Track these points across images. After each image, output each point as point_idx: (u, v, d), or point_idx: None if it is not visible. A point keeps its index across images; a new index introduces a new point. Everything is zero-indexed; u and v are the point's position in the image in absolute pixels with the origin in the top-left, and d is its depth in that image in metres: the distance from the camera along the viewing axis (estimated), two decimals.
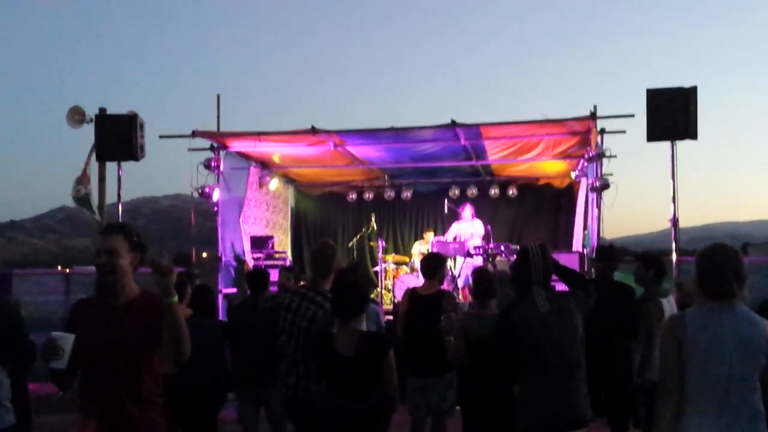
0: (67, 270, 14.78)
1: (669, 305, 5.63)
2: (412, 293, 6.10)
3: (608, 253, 6.40)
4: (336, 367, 4.04)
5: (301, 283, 6.76)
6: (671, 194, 9.87)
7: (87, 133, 10.45)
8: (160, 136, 10.97)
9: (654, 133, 9.47)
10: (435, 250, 11.58)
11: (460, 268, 11.57)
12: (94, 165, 11.65)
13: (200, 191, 10.90)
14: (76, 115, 13.77)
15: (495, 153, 12.15)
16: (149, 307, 3.28)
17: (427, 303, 5.85)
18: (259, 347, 5.56)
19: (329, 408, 4.05)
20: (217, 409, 6.04)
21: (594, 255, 6.48)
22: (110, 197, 10.76)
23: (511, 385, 4.14)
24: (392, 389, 4.13)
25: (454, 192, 13.71)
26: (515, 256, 4.32)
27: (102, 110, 13.76)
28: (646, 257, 6.12)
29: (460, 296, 10.88)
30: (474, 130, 10.66)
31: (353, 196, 14.55)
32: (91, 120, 14.44)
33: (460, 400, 4.98)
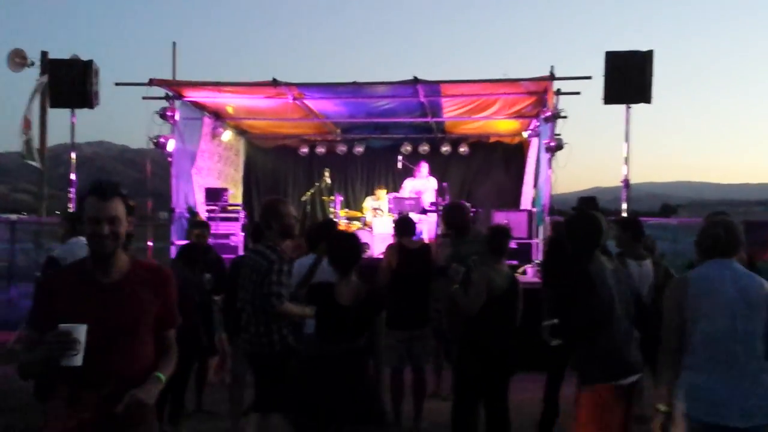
0: (12, 218, 14.26)
1: (640, 269, 5.90)
2: (399, 246, 6.22)
3: (592, 204, 6.51)
4: (334, 316, 4.18)
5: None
6: (624, 156, 10.23)
7: (25, 77, 10.12)
8: (116, 84, 10.65)
9: (611, 96, 9.76)
10: (391, 206, 11.71)
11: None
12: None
13: (155, 141, 10.67)
14: (17, 58, 13.24)
15: (451, 111, 12.28)
16: (148, 284, 2.92)
17: (414, 255, 6.01)
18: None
19: (320, 353, 4.17)
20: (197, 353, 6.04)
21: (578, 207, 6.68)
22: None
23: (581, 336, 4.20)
24: (379, 341, 4.30)
25: (407, 148, 13.80)
26: (578, 220, 4.35)
27: (44, 54, 13.27)
28: (622, 221, 6.44)
29: None
30: (434, 87, 10.74)
31: (305, 150, 14.48)
32: (32, 63, 13.90)
33: (462, 348, 5.10)
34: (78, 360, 2.62)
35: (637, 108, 9.93)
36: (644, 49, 9.60)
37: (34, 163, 13.47)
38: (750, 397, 3.39)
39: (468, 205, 11.23)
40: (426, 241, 9.85)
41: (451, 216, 6.58)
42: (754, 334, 3.44)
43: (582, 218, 4.39)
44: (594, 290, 4.04)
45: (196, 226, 7.31)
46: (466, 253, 5.69)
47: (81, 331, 2.64)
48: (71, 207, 10.39)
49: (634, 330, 4.18)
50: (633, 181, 10.27)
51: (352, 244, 4.39)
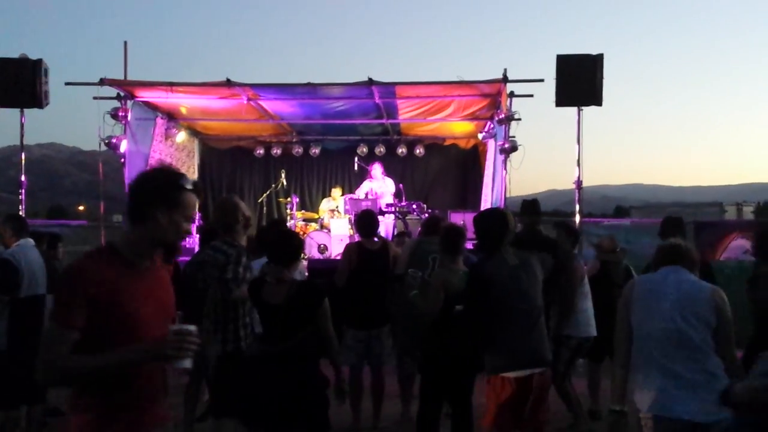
0: None
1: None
2: (358, 247, 6.22)
3: (533, 207, 6.81)
4: (265, 315, 4.21)
5: None
6: (576, 158, 10.38)
7: None
8: (66, 83, 10.46)
9: (562, 99, 9.90)
10: (347, 207, 11.70)
11: None
12: None
13: (107, 142, 10.49)
14: None
15: (406, 112, 12.32)
16: (163, 269, 2.80)
17: (374, 256, 6.02)
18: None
19: (258, 353, 4.17)
20: None
21: (520, 210, 6.87)
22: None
23: (479, 331, 4.37)
24: (329, 337, 4.29)
25: (362, 150, 13.84)
26: (486, 217, 4.64)
27: None
28: (566, 225, 6.83)
29: None
30: (389, 88, 10.78)
31: (260, 151, 14.37)
32: None
33: (426, 351, 5.12)
34: (189, 362, 2.44)
35: (590, 111, 10.14)
36: (595, 52, 9.77)
37: None
38: (691, 398, 3.46)
39: (419, 206, 11.37)
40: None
41: (427, 225, 6.58)
42: (691, 337, 3.51)
43: (492, 217, 4.66)
44: (484, 286, 4.27)
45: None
46: (426, 250, 5.71)
47: (195, 332, 2.48)
48: (21, 209, 10.17)
49: (538, 324, 4.36)
50: (587, 183, 10.43)
51: (287, 242, 4.39)
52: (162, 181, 2.62)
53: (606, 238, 7.31)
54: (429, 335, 5.00)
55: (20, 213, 9.97)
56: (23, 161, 10.31)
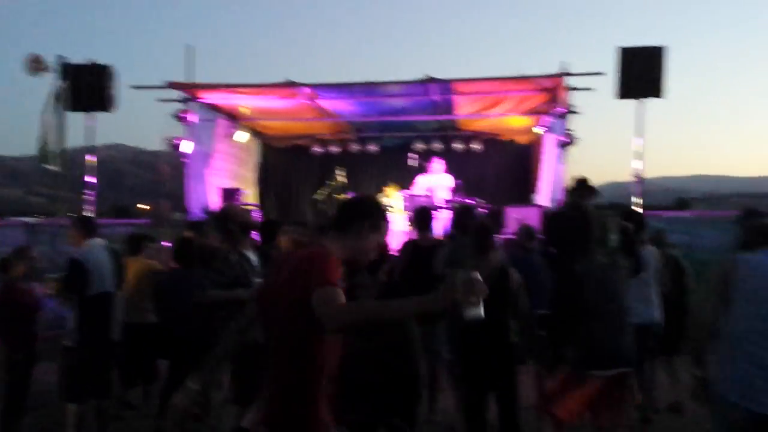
0: (29, 220, 14.40)
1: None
2: (413, 245, 6.29)
3: (581, 182, 6.74)
4: None
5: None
6: (637, 150, 10.26)
7: (41, 82, 10.29)
8: (132, 87, 10.78)
9: (624, 91, 9.79)
10: (406, 203, 11.74)
11: None
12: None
13: (170, 143, 10.79)
14: (34, 63, 13.37)
15: (464, 108, 12.33)
16: None
17: (428, 253, 6.07)
18: None
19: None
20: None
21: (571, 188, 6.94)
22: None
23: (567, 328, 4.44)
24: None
25: (420, 146, 13.87)
26: (572, 218, 4.70)
27: (60, 58, 13.38)
28: (626, 213, 6.78)
29: None
30: (447, 85, 10.82)
31: (319, 149, 14.56)
32: (47, 68, 13.99)
33: (463, 348, 5.16)
34: (481, 311, 2.41)
35: (651, 102, 9.97)
36: (656, 43, 9.63)
37: (51, 167, 13.63)
38: None
39: (478, 202, 11.33)
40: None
41: (459, 217, 6.67)
42: None
43: (578, 217, 4.71)
44: (576, 286, 4.32)
45: (191, 226, 7.33)
46: (461, 257, 5.72)
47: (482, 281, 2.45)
48: (92, 209, 10.52)
49: (627, 323, 4.41)
50: (647, 175, 10.31)
51: None
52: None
53: (656, 230, 7.22)
54: (464, 333, 5.03)
55: (89, 213, 10.34)
56: (93, 163, 10.64)
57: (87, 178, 10.88)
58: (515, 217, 10.58)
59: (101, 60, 10.29)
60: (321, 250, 2.73)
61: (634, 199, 10.29)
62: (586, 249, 4.48)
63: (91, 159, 10.86)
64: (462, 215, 6.74)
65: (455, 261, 5.70)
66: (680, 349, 6.75)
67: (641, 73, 9.49)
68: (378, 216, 2.89)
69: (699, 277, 7.08)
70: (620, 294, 4.43)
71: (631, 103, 10.05)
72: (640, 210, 9.96)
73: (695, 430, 5.98)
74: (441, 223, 11.40)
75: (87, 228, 5.86)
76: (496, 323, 4.81)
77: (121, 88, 11.18)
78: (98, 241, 5.82)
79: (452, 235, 6.64)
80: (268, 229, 6.32)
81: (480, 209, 11.04)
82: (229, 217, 5.05)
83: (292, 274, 2.68)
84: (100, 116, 10.42)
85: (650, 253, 6.24)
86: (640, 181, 10.36)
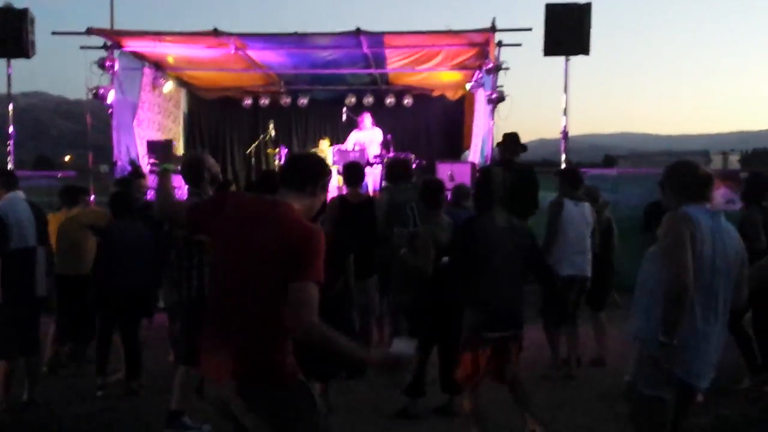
0: None
1: (579, 208, 6.27)
2: (341, 201, 6.30)
3: (509, 137, 7.31)
4: None
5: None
6: (563, 108, 10.48)
7: None
8: (53, 33, 10.37)
9: (550, 48, 9.96)
10: (336, 158, 11.72)
11: None
12: None
13: (95, 92, 10.46)
14: None
15: (395, 62, 12.30)
16: None
17: (357, 209, 6.10)
18: None
19: None
20: (150, 310, 6.13)
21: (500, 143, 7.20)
22: None
23: (462, 287, 4.50)
24: None
25: (351, 100, 13.79)
26: (478, 176, 4.75)
27: None
28: (561, 171, 7.11)
29: None
30: (377, 38, 10.75)
31: (248, 101, 14.34)
32: None
33: (418, 302, 5.24)
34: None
35: (579, 60, 10.20)
36: (582, 1, 9.78)
37: None
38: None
39: (412, 157, 11.41)
40: (371, 193, 9.96)
41: (391, 169, 6.75)
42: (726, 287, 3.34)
43: (481, 175, 4.80)
44: (471, 243, 4.36)
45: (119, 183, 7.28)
46: (402, 200, 5.80)
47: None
48: (10, 161, 10.15)
49: (519, 287, 4.51)
50: (575, 133, 10.61)
51: None
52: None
53: (589, 188, 7.42)
54: (421, 289, 5.11)
55: (9, 166, 9.99)
56: (11, 112, 10.25)
57: (7, 129, 10.49)
58: (446, 172, 10.69)
59: (19, 3, 9.85)
60: (307, 224, 2.77)
61: (562, 156, 10.53)
62: (485, 207, 4.50)
63: (10, 108, 10.44)
64: (399, 166, 6.79)
65: (396, 215, 5.76)
66: (605, 304, 7.06)
67: (567, 29, 9.65)
68: (328, 175, 2.97)
69: (622, 234, 7.38)
70: (514, 258, 4.44)
71: (558, 60, 10.26)
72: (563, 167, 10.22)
73: (616, 383, 6.20)
74: (372, 178, 11.47)
75: (6, 181, 5.71)
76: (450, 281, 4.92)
77: (41, 34, 10.75)
78: (19, 194, 5.68)
79: (386, 188, 6.69)
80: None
81: (414, 164, 11.10)
82: (203, 166, 4.97)
83: (276, 241, 2.68)
84: (19, 63, 10.01)
85: (587, 208, 6.46)
86: (566, 137, 10.60)
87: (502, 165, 6.87)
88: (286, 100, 14.24)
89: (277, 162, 12.49)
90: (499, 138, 8.03)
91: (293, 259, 2.62)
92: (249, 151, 13.31)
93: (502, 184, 4.50)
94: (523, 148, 7.75)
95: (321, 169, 2.95)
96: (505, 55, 10.51)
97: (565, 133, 10.54)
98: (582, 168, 9.22)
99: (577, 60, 10.10)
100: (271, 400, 2.68)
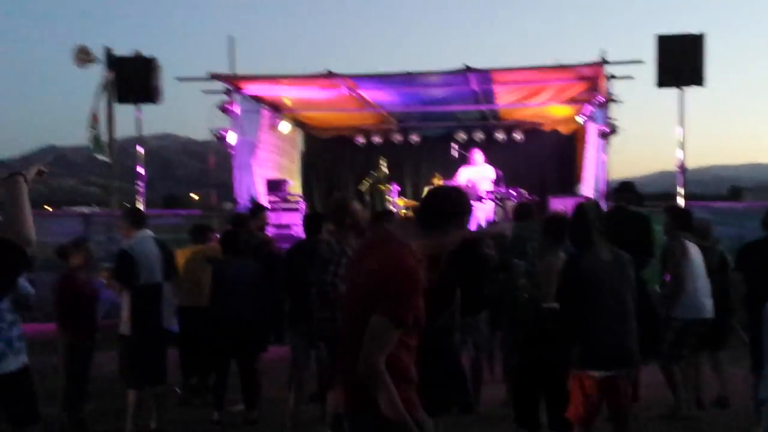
0: (85, 211, 14.92)
1: (694, 247, 6.11)
2: None
3: (622, 187, 6.98)
4: None
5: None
6: (679, 140, 10.21)
7: (89, 74, 10.60)
8: (177, 79, 11.08)
9: (663, 80, 9.76)
10: None
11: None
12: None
13: (216, 134, 11.05)
14: (82, 54, 13.81)
15: (504, 97, 12.36)
16: None
17: (465, 246, 6.15)
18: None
19: None
20: (263, 344, 6.37)
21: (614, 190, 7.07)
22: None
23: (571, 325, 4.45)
24: None
25: (461, 136, 13.93)
26: (572, 213, 4.69)
27: (108, 50, 13.79)
28: (671, 208, 6.94)
29: None
30: (486, 75, 10.85)
31: (362, 139, 14.72)
32: (94, 59, 14.40)
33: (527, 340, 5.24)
34: None
35: (695, 90, 9.90)
36: (695, 31, 9.56)
37: (102, 157, 14.03)
38: None
39: (520, 193, 11.38)
40: (478, 229, 9.97)
41: (517, 209, 6.95)
42: None
43: (575, 211, 4.66)
44: (579, 281, 4.29)
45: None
46: (525, 236, 5.80)
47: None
48: (140, 200, 10.84)
49: (630, 321, 4.35)
50: (698, 164, 10.43)
51: None
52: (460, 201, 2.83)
53: (701, 222, 7.15)
54: (536, 322, 5.07)
55: (138, 204, 10.68)
56: (141, 153, 10.97)
57: (137, 169, 11.23)
58: (559, 208, 10.59)
59: (146, 51, 10.61)
60: (405, 261, 2.58)
61: (678, 189, 10.24)
62: (583, 242, 4.43)
63: (140, 149, 11.19)
64: (523, 206, 6.86)
65: (517, 248, 5.76)
66: (725, 343, 6.77)
67: (681, 61, 9.45)
68: (462, 213, 2.79)
69: None
70: (623, 292, 4.34)
71: (672, 92, 10.03)
72: (681, 201, 9.93)
73: (742, 426, 5.89)
74: (483, 214, 11.51)
75: (135, 220, 6.09)
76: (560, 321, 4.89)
77: (167, 80, 11.51)
78: (147, 233, 6.04)
79: (513, 225, 6.73)
80: (313, 222, 6.24)
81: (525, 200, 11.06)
82: (346, 211, 5.17)
83: (371, 274, 2.60)
84: (149, 107, 10.75)
85: (693, 248, 6.20)
86: (683, 170, 10.31)
87: (613, 210, 6.74)
88: (397, 138, 14.55)
89: (389, 198, 12.73)
90: (612, 171, 7.88)
91: (376, 291, 2.52)
92: (364, 189, 13.62)
93: (598, 218, 4.46)
94: (639, 198, 7.58)
95: (460, 205, 2.78)
96: (617, 87, 10.35)
97: (681, 166, 10.25)
98: (700, 201, 8.92)
99: (690, 90, 9.85)
100: None
